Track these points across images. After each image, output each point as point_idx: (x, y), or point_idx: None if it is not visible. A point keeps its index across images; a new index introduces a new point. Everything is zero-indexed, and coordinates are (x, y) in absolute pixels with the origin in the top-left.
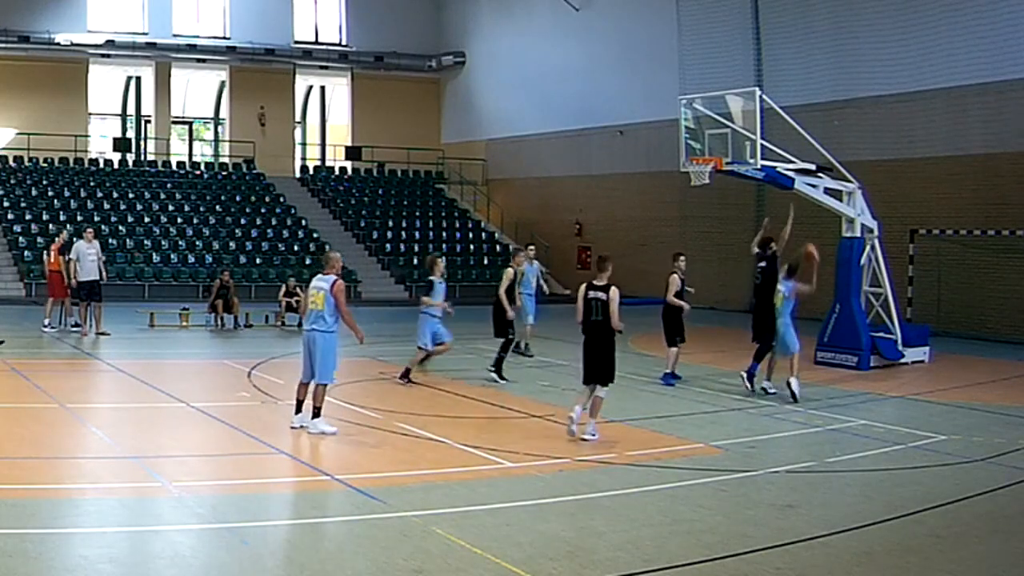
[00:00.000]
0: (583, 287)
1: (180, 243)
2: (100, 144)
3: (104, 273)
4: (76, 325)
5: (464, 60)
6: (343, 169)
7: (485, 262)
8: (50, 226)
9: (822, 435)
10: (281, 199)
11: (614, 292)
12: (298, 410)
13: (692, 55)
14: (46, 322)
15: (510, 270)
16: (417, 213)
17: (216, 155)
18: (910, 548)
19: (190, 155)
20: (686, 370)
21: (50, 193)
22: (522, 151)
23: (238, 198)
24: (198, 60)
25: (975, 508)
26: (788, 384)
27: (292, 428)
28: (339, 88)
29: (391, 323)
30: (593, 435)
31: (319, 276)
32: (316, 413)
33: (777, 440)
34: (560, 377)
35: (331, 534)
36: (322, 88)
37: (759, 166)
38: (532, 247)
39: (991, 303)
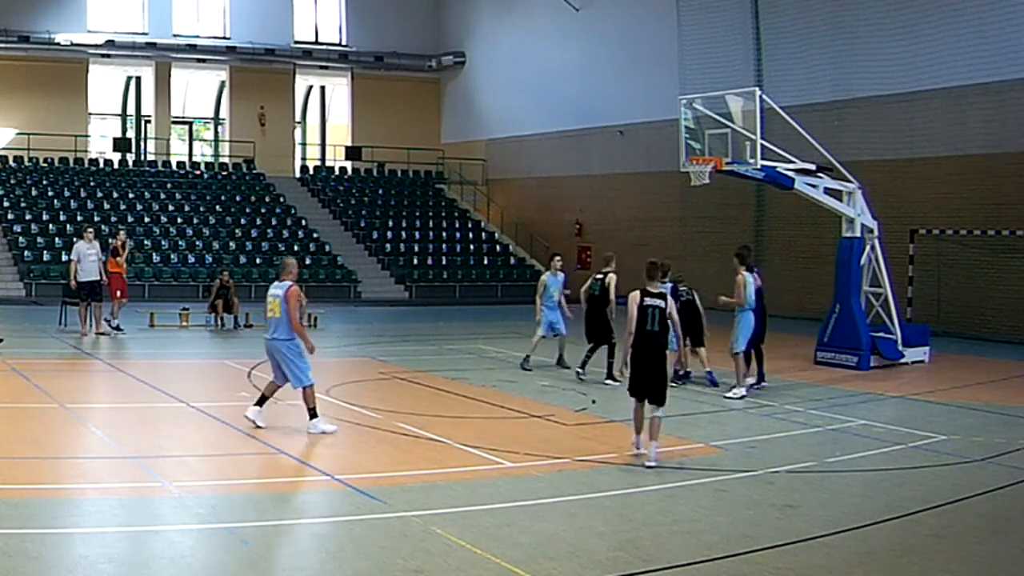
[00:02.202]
0: (637, 295)
1: (180, 243)
2: (100, 144)
3: (104, 274)
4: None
5: (464, 60)
6: (343, 169)
7: (485, 262)
8: (50, 226)
9: (822, 435)
10: (281, 199)
11: (671, 301)
12: (259, 403)
13: (692, 55)
14: (116, 323)
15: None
16: (417, 213)
17: (216, 155)
18: (910, 548)
19: (190, 155)
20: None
21: (50, 193)
22: (522, 151)
23: (238, 198)
24: (198, 60)
25: (975, 508)
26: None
27: (247, 418)
28: (339, 88)
29: (391, 323)
30: (655, 462)
31: (275, 283)
32: (312, 414)
33: (777, 440)
34: (560, 378)
35: (331, 534)
36: (322, 88)
37: (759, 166)
38: (559, 258)
39: (991, 303)
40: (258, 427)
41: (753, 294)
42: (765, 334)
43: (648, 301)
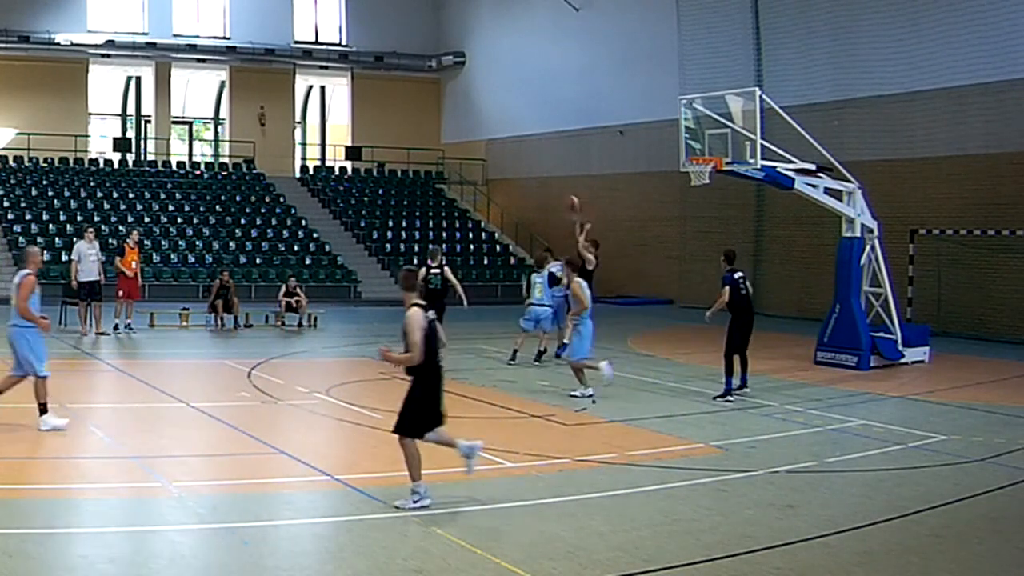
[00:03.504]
0: (419, 314)
1: (180, 243)
2: (100, 144)
3: (104, 274)
4: (127, 327)
5: (464, 60)
6: (343, 169)
7: (485, 262)
8: (50, 226)
9: (822, 435)
10: (281, 199)
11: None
12: (43, 411)
13: (692, 55)
14: (116, 322)
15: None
16: (417, 213)
17: (216, 155)
18: (910, 548)
19: (190, 155)
20: (688, 370)
21: (50, 193)
22: (522, 151)
23: (238, 198)
24: (198, 60)
25: (975, 508)
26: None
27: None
28: (339, 88)
29: (391, 323)
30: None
31: (18, 272)
32: (42, 410)
33: (777, 440)
34: (559, 378)
35: (331, 534)
36: (322, 88)
37: (759, 166)
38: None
39: (991, 303)
40: (39, 429)
41: (590, 298)
42: (749, 341)
43: (431, 316)
